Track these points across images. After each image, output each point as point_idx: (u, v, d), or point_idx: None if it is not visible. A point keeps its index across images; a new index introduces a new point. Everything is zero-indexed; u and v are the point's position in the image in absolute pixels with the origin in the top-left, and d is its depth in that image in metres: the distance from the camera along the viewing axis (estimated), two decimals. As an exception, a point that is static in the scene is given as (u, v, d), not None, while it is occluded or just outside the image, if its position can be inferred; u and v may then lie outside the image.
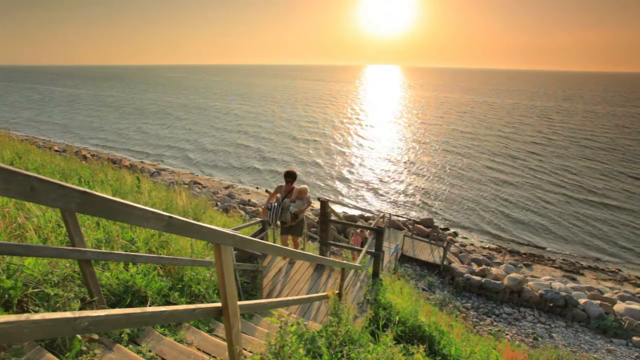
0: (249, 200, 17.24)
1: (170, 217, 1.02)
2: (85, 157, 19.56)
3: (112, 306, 2.25)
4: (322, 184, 20.80)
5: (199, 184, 19.78)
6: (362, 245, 7.05)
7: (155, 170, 21.91)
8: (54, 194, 0.72)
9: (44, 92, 72.07)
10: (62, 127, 35.58)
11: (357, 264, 4.39)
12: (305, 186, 4.91)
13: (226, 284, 1.35)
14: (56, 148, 22.57)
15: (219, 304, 1.41)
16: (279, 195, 4.88)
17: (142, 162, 24.19)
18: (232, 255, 3.49)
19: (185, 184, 18.79)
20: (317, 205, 14.28)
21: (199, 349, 2.19)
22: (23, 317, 0.76)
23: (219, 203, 15.76)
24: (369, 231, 7.73)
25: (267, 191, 6.43)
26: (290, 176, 4.81)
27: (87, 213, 0.80)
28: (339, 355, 2.15)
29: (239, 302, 1.50)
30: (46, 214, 2.71)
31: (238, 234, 1.75)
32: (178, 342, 2.23)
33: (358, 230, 8.28)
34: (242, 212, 14.62)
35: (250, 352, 2.15)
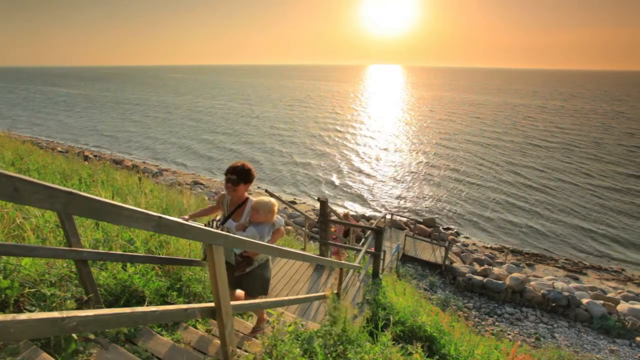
0: (251, 200, 17.27)
1: (160, 217, 1.02)
2: (87, 158, 19.65)
3: (110, 306, 2.26)
4: (322, 183, 20.80)
5: (201, 184, 19.83)
6: (346, 235, 6.92)
7: (158, 170, 21.99)
8: (39, 194, 0.72)
9: (46, 93, 72.55)
10: (65, 127, 35.80)
11: (356, 263, 4.39)
12: (266, 200, 2.49)
13: (219, 283, 1.35)
14: (59, 149, 22.70)
15: (212, 304, 1.41)
16: (219, 217, 2.65)
17: (144, 162, 24.29)
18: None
19: (187, 184, 18.85)
20: (317, 205, 14.28)
21: (195, 349, 2.19)
22: (10, 317, 0.77)
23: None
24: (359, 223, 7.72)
25: (266, 191, 6.30)
26: (234, 174, 2.39)
27: (74, 213, 0.81)
28: (334, 355, 2.15)
29: (232, 302, 1.50)
30: (45, 215, 2.73)
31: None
32: (175, 341, 2.24)
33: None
34: (244, 212, 14.65)
35: (246, 351, 2.15)
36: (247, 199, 2.54)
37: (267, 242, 2.48)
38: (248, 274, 2.53)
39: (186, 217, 2.49)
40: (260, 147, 28.85)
